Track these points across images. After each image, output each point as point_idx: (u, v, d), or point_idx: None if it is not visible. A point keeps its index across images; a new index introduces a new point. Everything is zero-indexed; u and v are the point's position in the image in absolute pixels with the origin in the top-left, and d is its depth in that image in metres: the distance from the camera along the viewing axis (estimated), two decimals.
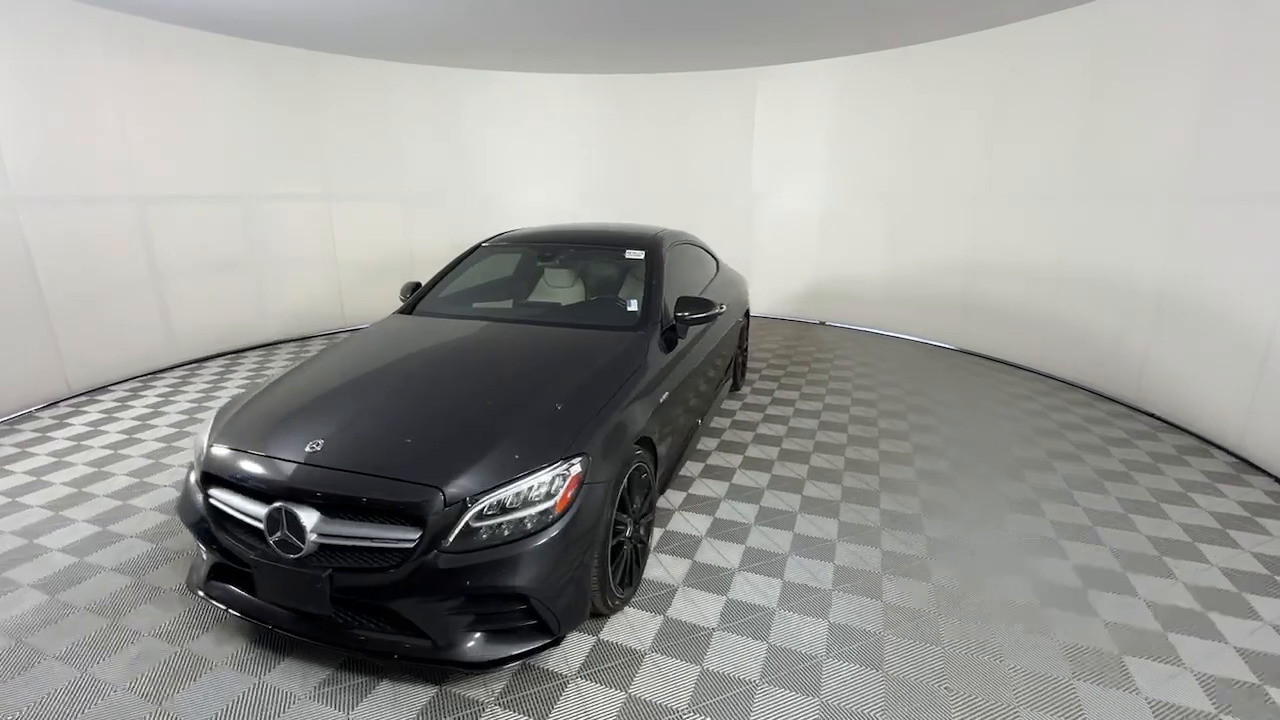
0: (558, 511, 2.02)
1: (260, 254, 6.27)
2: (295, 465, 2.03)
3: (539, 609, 1.98)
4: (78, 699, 2.05)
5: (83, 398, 4.92)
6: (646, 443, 2.61)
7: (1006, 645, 2.29)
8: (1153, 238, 4.52)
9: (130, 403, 4.79)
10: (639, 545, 2.58)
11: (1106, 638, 2.33)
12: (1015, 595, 2.56)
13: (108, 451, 3.92)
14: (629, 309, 3.20)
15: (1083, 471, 3.69)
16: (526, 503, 1.99)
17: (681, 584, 2.63)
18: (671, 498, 3.35)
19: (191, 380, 5.36)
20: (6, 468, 3.69)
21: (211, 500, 2.16)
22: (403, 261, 7.25)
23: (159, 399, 4.88)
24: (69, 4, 4.69)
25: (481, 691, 2.07)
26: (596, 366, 2.62)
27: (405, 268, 7.18)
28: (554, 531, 1.99)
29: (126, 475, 3.60)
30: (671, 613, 2.45)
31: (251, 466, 2.09)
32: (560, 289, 3.68)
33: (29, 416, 4.53)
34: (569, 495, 2.05)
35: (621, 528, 2.38)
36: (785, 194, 7.55)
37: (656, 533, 3.01)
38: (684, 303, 3.19)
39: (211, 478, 2.17)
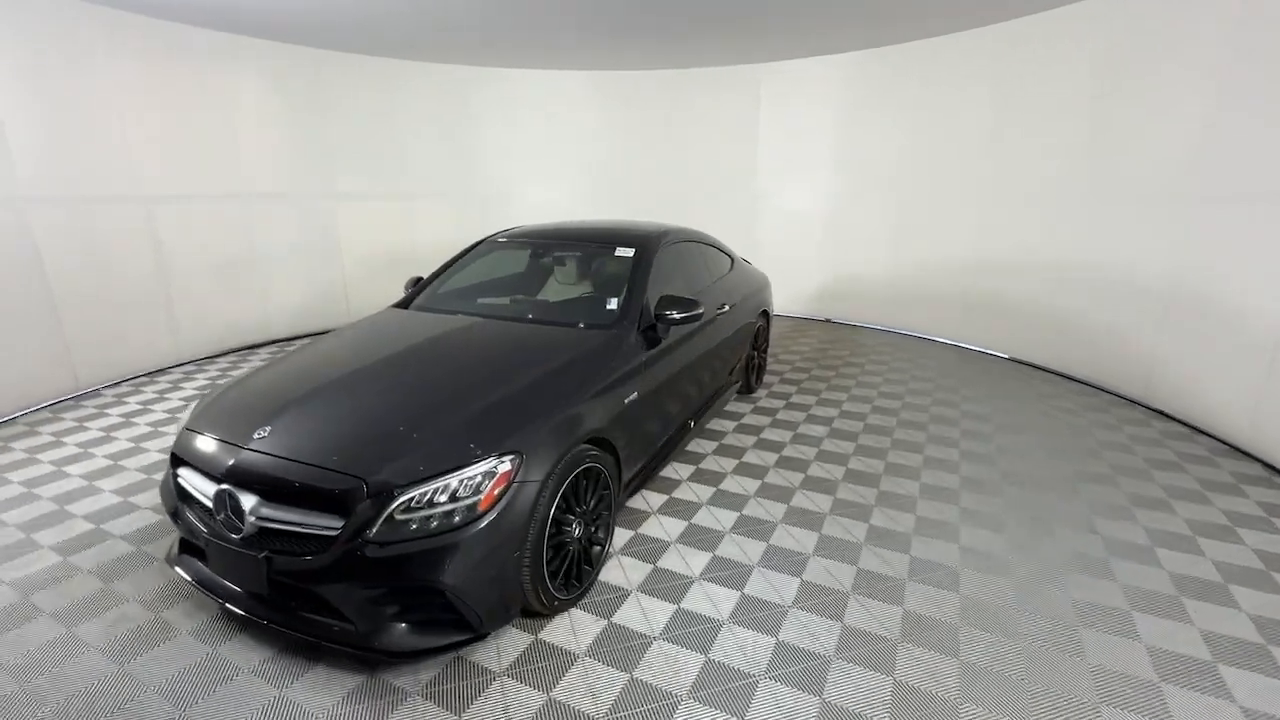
0: (482, 509, 2.02)
1: (266, 251, 6.30)
2: (241, 450, 2.13)
3: (458, 604, 2.00)
4: (55, 654, 2.23)
5: (91, 394, 4.95)
6: (604, 443, 2.58)
7: (957, 687, 2.11)
8: (1156, 236, 4.51)
9: (130, 399, 4.85)
10: (593, 546, 2.55)
11: (1090, 683, 2.11)
12: (991, 633, 2.36)
13: (122, 445, 4.19)
14: (609, 307, 3.17)
15: (1113, 497, 3.36)
16: (453, 498, 2.01)
17: (636, 589, 2.58)
18: (651, 500, 3.30)
19: (193, 377, 5.41)
20: (23, 462, 3.82)
21: (178, 479, 2.30)
22: (406, 257, 7.21)
23: (160, 394, 4.96)
24: (73, 3, 4.69)
25: (409, 680, 2.11)
26: (556, 364, 2.61)
27: (409, 263, 7.00)
28: (476, 529, 2.00)
29: (138, 470, 3.90)
30: (618, 618, 2.41)
31: (206, 449, 2.22)
32: (552, 285, 3.70)
33: (37, 412, 4.58)
34: (495, 493, 2.05)
35: (566, 527, 2.36)
36: (789, 190, 7.56)
37: (625, 535, 2.97)
38: (666, 301, 3.12)
39: (178, 459, 2.31)
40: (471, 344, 2.88)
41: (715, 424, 4.32)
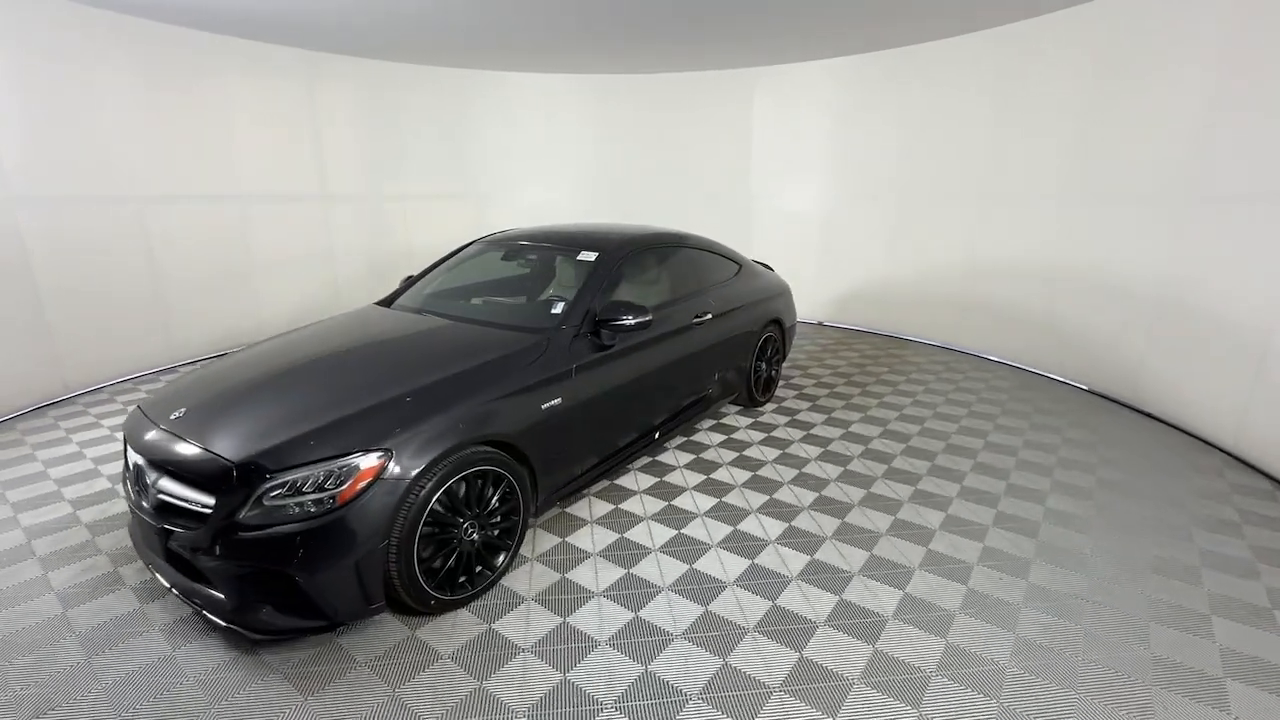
0: (341, 501, 2.08)
1: (258, 253, 6.26)
2: (155, 428, 2.35)
3: (309, 592, 2.07)
4: (22, 593, 2.58)
5: (80, 397, 4.96)
6: (510, 446, 2.57)
7: None
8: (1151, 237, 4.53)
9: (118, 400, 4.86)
10: (494, 548, 2.56)
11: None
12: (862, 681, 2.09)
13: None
14: (554, 311, 3.15)
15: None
16: (318, 488, 2.09)
17: (530, 598, 2.55)
18: (595, 508, 3.24)
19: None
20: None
21: (126, 454, 2.58)
22: (401, 257, 7.19)
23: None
24: (68, 5, 4.70)
25: (278, 659, 2.22)
26: (469, 365, 2.63)
27: (404, 264, 6.96)
28: (333, 520, 2.06)
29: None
30: (499, 625, 2.40)
31: (136, 426, 2.46)
32: (523, 287, 3.73)
33: (30, 414, 4.58)
34: (357, 487, 2.10)
35: (453, 528, 2.38)
36: (784, 194, 7.60)
37: (552, 541, 2.94)
38: (614, 308, 3.06)
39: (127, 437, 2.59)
40: (406, 344, 2.97)
41: (704, 436, 4.17)
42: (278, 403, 2.42)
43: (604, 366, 3.06)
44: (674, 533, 3.02)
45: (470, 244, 4.05)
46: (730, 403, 4.66)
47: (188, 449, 2.21)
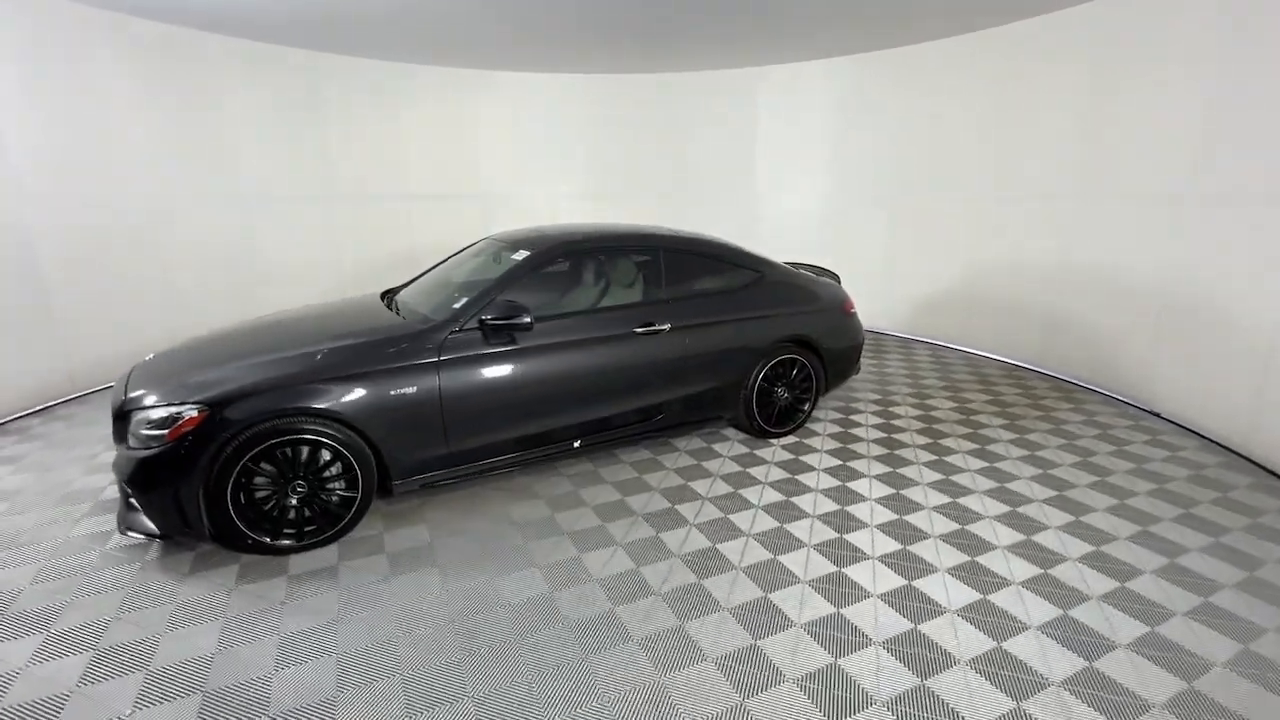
0: (166, 441, 2.62)
1: (266, 253, 6.40)
2: (125, 376, 3.10)
3: (139, 505, 2.65)
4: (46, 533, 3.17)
5: (88, 395, 5.11)
6: (343, 422, 2.85)
7: None
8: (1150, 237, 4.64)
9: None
10: (339, 508, 2.92)
11: None
12: None
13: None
14: (454, 305, 3.33)
15: None
16: (157, 426, 2.66)
17: (340, 560, 2.85)
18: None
19: None
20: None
21: None
22: (404, 259, 7.20)
23: None
24: (76, 7, 4.77)
25: (174, 572, 2.79)
26: (326, 348, 2.98)
27: (405, 264, 6.93)
28: (155, 454, 2.63)
29: None
30: (294, 568, 2.78)
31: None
32: (476, 285, 3.78)
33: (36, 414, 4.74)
34: (179, 431, 2.62)
35: (262, 480, 2.75)
36: (787, 192, 7.64)
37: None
38: (494, 306, 3.20)
39: None
40: (327, 326, 3.32)
41: (677, 461, 3.91)
42: (188, 362, 3.03)
43: (486, 364, 3.19)
44: (479, 547, 2.97)
45: (471, 245, 4.41)
46: (736, 428, 4.33)
47: (116, 388, 2.98)
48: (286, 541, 2.85)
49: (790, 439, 4.23)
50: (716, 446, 4.09)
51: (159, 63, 5.41)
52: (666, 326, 3.71)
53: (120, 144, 5.22)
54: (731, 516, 3.24)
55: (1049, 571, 2.78)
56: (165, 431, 2.64)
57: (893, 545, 2.97)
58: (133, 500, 2.74)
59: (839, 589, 2.66)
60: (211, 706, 2.06)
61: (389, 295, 4.02)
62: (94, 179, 5.07)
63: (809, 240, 7.50)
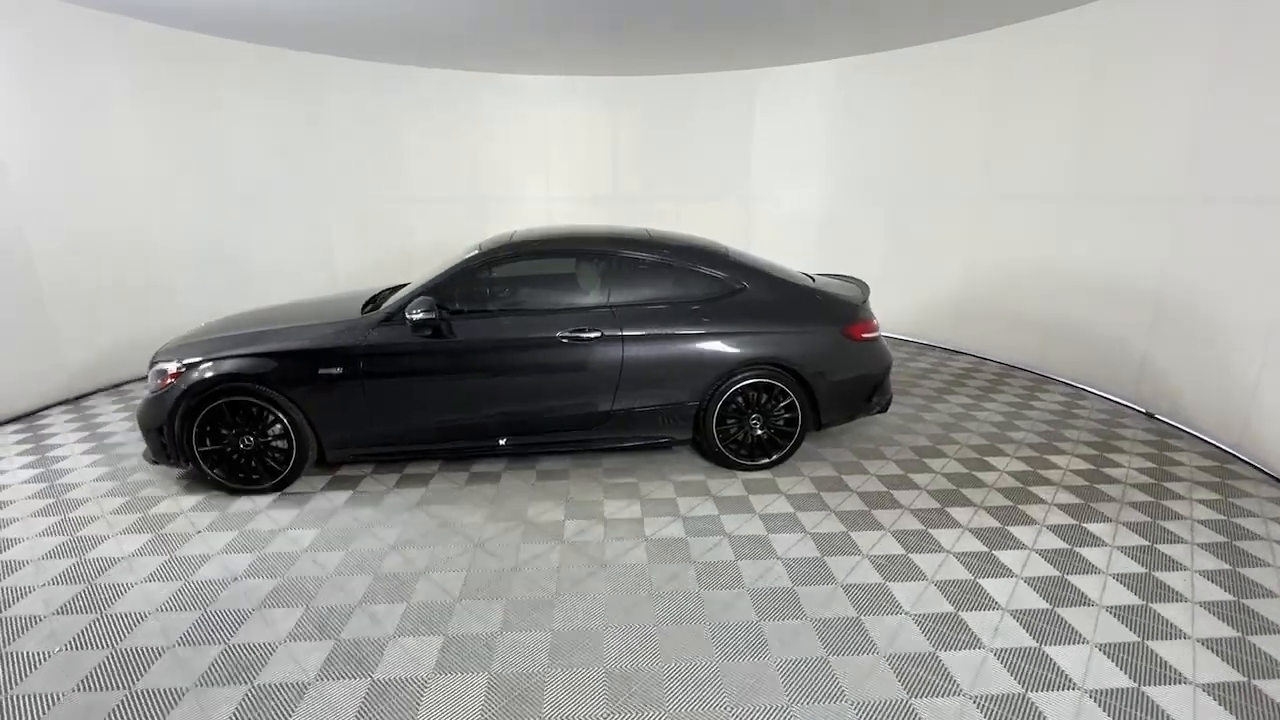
0: (159, 388, 3.43)
1: (263, 254, 6.49)
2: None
3: (145, 438, 3.48)
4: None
5: (84, 399, 5.17)
6: (279, 392, 3.39)
7: None
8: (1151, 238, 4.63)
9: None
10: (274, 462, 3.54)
11: None
12: None
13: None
14: (390, 300, 3.72)
15: None
16: (157, 377, 3.47)
17: (269, 507, 3.46)
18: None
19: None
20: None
21: None
22: (399, 261, 7.26)
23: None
24: (73, 9, 4.76)
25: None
26: (283, 329, 3.55)
27: (401, 267, 6.95)
28: (149, 398, 3.45)
29: None
30: (233, 509, 3.43)
31: None
32: None
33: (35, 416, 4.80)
34: (166, 383, 3.40)
35: (227, 434, 3.44)
36: (783, 195, 7.67)
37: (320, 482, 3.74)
38: (406, 301, 3.49)
39: None
40: (298, 315, 3.80)
41: (596, 475, 3.82)
42: (199, 332, 3.76)
43: (406, 355, 3.49)
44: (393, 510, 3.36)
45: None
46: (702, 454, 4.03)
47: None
48: (235, 485, 3.53)
49: (761, 474, 3.80)
50: (645, 483, 3.73)
51: (157, 65, 5.47)
52: (597, 334, 3.59)
53: (120, 146, 5.29)
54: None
55: None
56: (159, 381, 3.41)
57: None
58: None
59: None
60: None
61: (389, 291, 4.28)
62: (92, 181, 5.13)
63: (807, 241, 7.51)
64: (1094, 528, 3.21)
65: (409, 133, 7.38)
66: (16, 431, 4.55)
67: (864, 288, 4.22)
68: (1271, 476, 3.75)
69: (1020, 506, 3.42)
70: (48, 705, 2.14)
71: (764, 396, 3.76)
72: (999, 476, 3.77)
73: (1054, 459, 3.99)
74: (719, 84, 7.58)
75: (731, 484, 3.70)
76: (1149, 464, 3.92)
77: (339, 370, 3.44)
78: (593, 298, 3.73)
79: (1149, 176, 4.59)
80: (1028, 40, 5.42)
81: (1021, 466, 3.90)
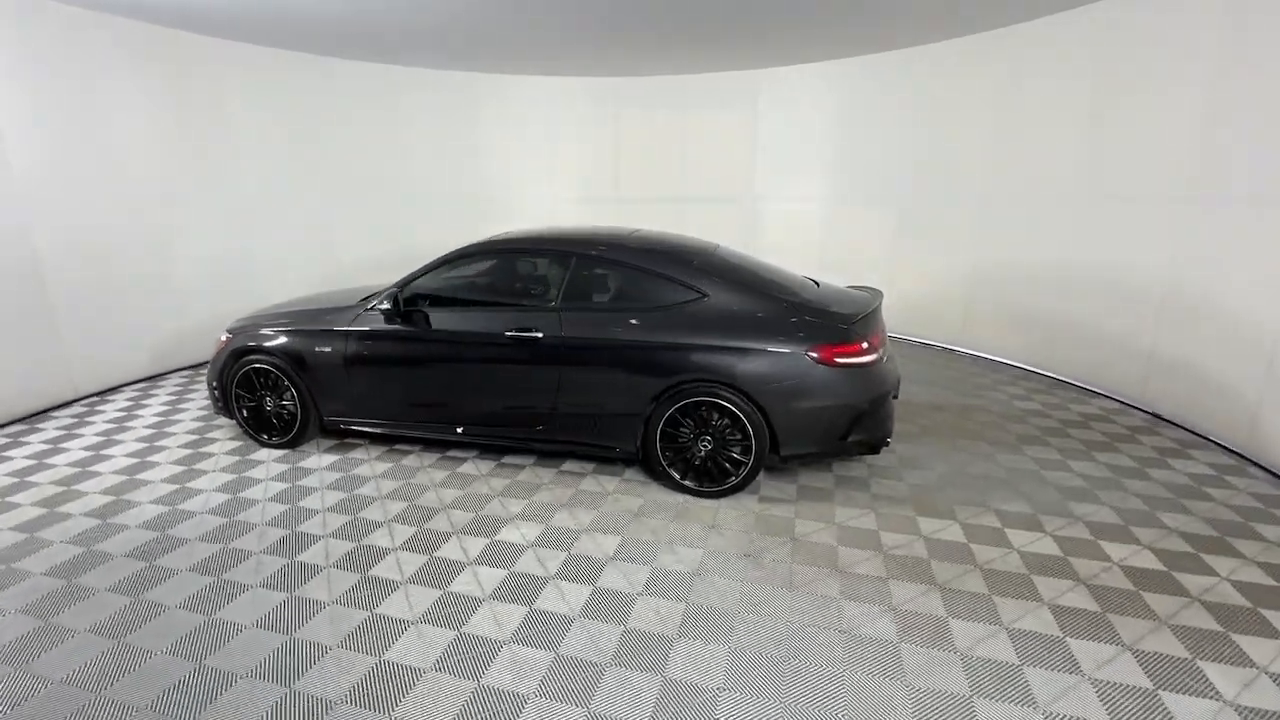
0: (216, 350, 4.27)
1: (267, 253, 6.52)
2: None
3: (218, 392, 4.24)
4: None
5: (91, 399, 5.13)
6: (285, 363, 4.02)
7: None
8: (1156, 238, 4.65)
9: (140, 404, 5.05)
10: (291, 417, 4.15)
11: None
12: None
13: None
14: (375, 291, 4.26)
15: None
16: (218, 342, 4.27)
17: (274, 460, 4.12)
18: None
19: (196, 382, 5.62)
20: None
21: None
22: (400, 261, 7.03)
23: (168, 399, 5.16)
24: (77, 12, 4.83)
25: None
26: (299, 312, 4.21)
27: (401, 267, 6.66)
28: (214, 358, 4.24)
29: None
30: (252, 456, 4.15)
31: None
32: None
33: (43, 417, 4.75)
34: (223, 345, 4.21)
35: (252, 395, 4.17)
36: (789, 195, 7.65)
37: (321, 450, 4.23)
38: (388, 294, 3.93)
39: None
40: (338, 299, 4.35)
41: (545, 477, 3.77)
42: (263, 309, 4.45)
43: (378, 339, 3.90)
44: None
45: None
46: (640, 467, 3.84)
47: None
48: (268, 437, 4.21)
49: (707, 501, 3.46)
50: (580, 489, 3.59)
51: (162, 65, 5.52)
52: (539, 335, 3.55)
53: (123, 146, 5.30)
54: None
55: None
56: (217, 346, 4.22)
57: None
58: (216, 392, 4.22)
59: None
60: None
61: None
62: (98, 181, 5.13)
63: (810, 241, 7.53)
64: None
65: (413, 133, 7.49)
66: (73, 416, 4.81)
67: (875, 302, 3.69)
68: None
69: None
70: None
71: (718, 417, 3.38)
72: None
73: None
74: (723, 84, 7.61)
75: (662, 507, 3.38)
76: None
77: (329, 349, 3.96)
78: (546, 298, 3.75)
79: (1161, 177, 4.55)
80: (1033, 39, 5.40)
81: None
